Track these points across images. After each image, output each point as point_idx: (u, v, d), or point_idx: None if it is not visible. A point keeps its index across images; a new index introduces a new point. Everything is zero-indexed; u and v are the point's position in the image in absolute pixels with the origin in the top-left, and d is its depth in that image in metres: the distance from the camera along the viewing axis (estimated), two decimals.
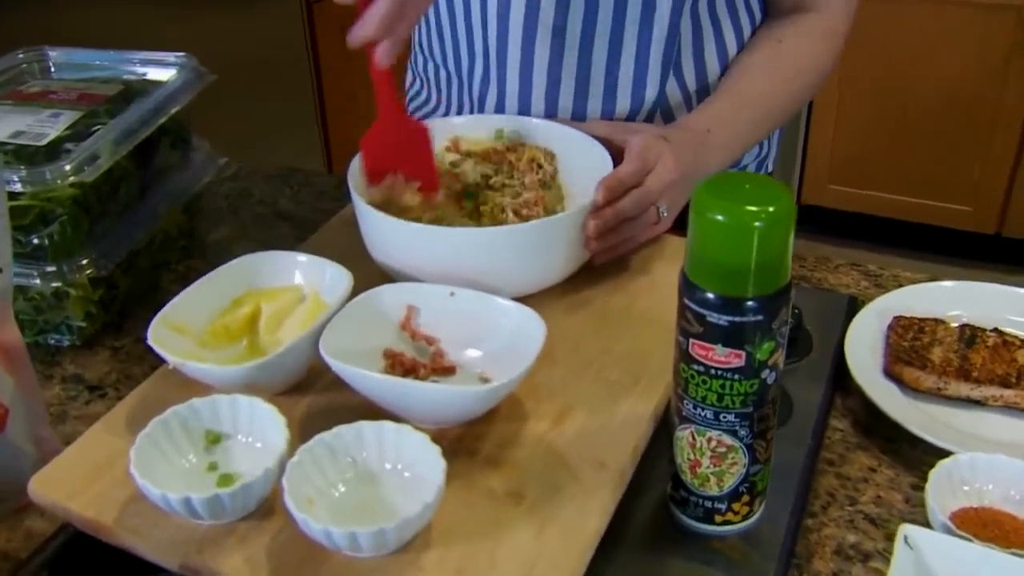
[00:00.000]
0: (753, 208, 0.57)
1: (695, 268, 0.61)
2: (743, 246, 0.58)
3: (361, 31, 0.73)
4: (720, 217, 0.58)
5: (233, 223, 1.09)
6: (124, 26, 2.33)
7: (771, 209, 0.58)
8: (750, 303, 0.59)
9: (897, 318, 0.84)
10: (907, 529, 0.62)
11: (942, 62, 2.46)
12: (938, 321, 0.83)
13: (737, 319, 0.60)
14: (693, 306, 0.61)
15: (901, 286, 0.92)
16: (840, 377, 0.82)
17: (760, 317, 0.60)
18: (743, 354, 0.61)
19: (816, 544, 0.69)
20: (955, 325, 0.82)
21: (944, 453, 0.72)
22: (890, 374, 0.79)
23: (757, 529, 0.69)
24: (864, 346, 0.82)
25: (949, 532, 0.64)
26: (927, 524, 0.67)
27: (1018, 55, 2.38)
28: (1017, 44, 2.37)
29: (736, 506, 0.67)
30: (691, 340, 0.62)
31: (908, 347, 0.80)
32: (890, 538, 0.69)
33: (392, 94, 0.81)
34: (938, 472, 0.67)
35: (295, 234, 1.05)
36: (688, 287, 0.61)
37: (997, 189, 2.54)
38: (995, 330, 0.81)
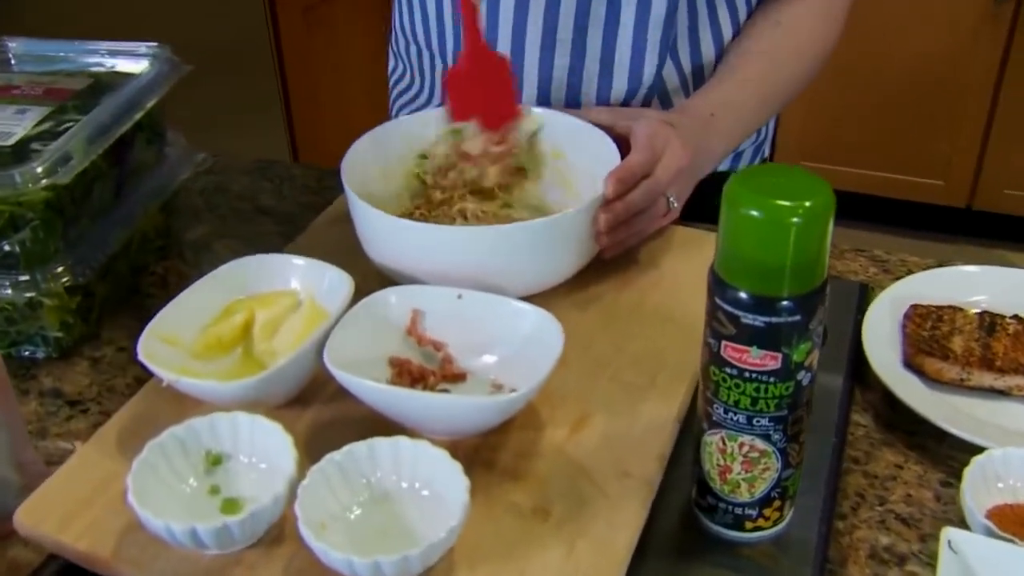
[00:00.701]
0: (790, 203, 0.54)
1: (727, 266, 0.57)
2: (780, 243, 0.55)
3: None
4: (755, 212, 0.55)
5: (212, 220, 1.04)
6: (72, 11, 2.25)
7: (808, 204, 0.55)
8: (788, 303, 0.56)
9: (914, 306, 0.81)
10: (950, 533, 0.60)
11: (912, 37, 2.45)
12: (956, 309, 0.81)
13: (774, 320, 0.56)
14: (726, 306, 0.57)
15: (911, 271, 0.90)
16: (857, 369, 0.79)
17: (798, 317, 0.56)
18: (779, 356, 0.58)
19: (849, 548, 0.66)
20: (974, 312, 0.80)
21: (969, 446, 0.70)
22: (911, 365, 0.77)
23: (787, 534, 0.66)
24: (881, 337, 0.80)
25: (990, 533, 0.61)
26: (961, 523, 0.65)
27: (987, 29, 2.38)
28: (986, 18, 2.36)
29: (767, 512, 0.64)
30: (723, 342, 0.58)
31: (927, 337, 0.78)
32: (924, 539, 0.66)
33: (477, 29, 0.80)
34: (972, 470, 0.65)
35: (278, 230, 1.01)
36: (719, 286, 0.58)
37: (968, 163, 2.55)
38: (1015, 317, 0.79)
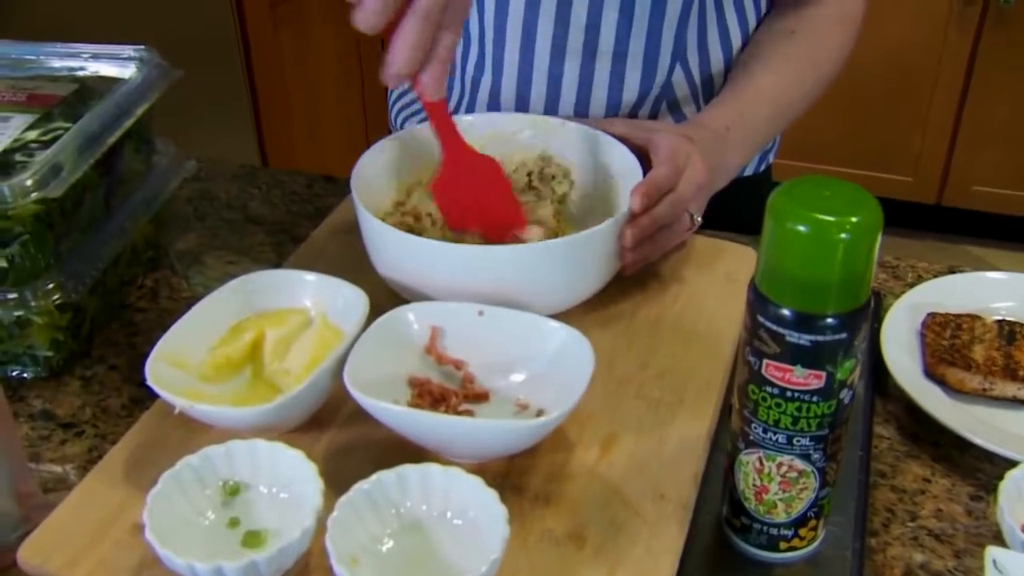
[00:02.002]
0: (837, 218, 0.53)
1: (771, 282, 0.55)
2: (827, 259, 0.53)
3: (394, 67, 0.62)
4: (802, 227, 0.53)
5: (200, 230, 1.00)
6: (31, 7, 2.18)
7: (856, 219, 0.53)
8: (833, 320, 0.54)
9: (931, 315, 0.80)
10: (994, 552, 0.58)
11: (881, 33, 2.46)
12: (974, 317, 0.80)
13: (819, 338, 0.55)
14: (769, 324, 0.55)
15: (920, 277, 0.89)
16: (876, 379, 0.78)
17: (844, 335, 0.55)
18: (823, 375, 0.56)
19: (883, 566, 0.65)
20: (992, 320, 0.79)
21: (994, 457, 0.69)
22: (932, 375, 0.76)
23: (821, 553, 0.64)
24: (900, 346, 0.78)
25: None
26: (995, 538, 0.64)
27: (956, 25, 2.40)
28: (955, 14, 2.38)
29: (803, 532, 0.62)
30: (765, 361, 0.57)
31: (948, 346, 0.77)
32: (959, 555, 0.65)
33: (453, 128, 0.72)
34: (1007, 485, 0.64)
35: (271, 240, 0.97)
36: (761, 303, 0.56)
37: (937, 159, 2.57)
38: None
